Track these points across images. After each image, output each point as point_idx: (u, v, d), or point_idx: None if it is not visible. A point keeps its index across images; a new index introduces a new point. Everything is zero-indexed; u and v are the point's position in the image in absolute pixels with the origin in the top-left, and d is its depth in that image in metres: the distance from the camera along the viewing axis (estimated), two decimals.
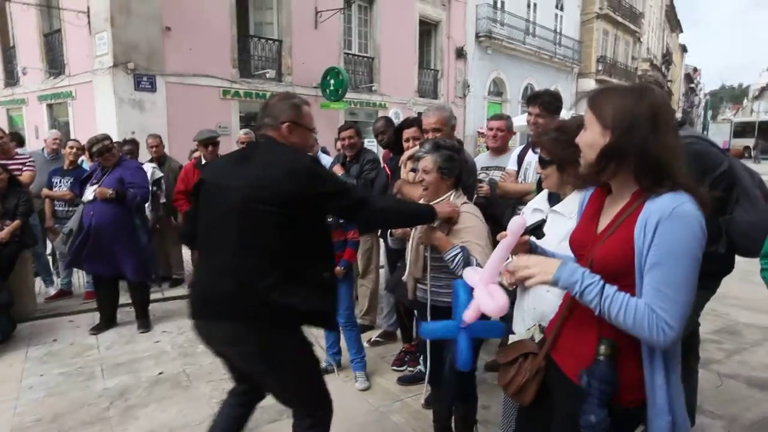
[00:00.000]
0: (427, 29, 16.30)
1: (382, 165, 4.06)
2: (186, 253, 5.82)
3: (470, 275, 1.63)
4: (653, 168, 1.24)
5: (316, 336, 3.50)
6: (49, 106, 11.94)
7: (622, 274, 1.27)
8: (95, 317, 4.62)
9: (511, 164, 3.23)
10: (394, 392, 3.32)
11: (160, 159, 5.76)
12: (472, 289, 1.60)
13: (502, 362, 1.64)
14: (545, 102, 3.12)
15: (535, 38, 20.50)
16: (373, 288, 4.35)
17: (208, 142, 4.70)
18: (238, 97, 11.36)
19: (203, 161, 4.56)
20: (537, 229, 1.61)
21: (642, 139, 1.23)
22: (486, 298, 1.50)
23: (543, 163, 1.87)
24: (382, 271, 4.49)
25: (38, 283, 5.33)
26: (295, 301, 1.84)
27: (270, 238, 1.83)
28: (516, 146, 3.69)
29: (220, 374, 3.54)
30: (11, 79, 13.17)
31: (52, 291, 5.41)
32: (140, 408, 3.14)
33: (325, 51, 12.69)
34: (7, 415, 3.05)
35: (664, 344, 1.21)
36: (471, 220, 2.23)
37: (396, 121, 4.15)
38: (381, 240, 4.09)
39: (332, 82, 12.13)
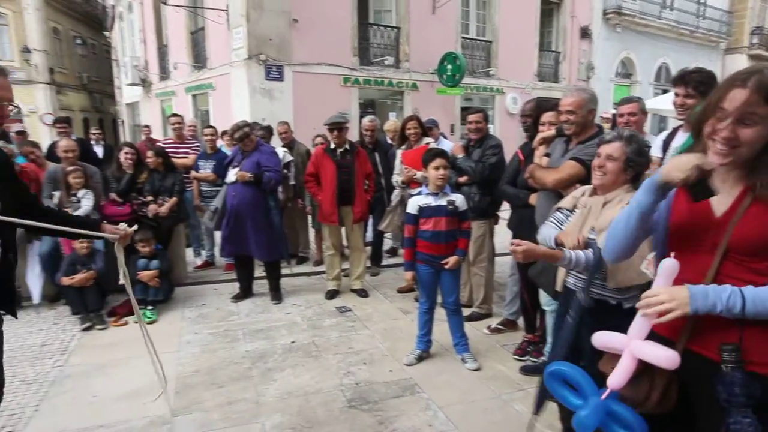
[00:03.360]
0: (549, 8, 15.45)
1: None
2: (312, 232, 6.22)
3: (613, 340, 1.53)
4: None
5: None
6: (194, 96, 13.29)
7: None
8: (234, 287, 5.11)
9: (656, 150, 2.99)
10: (516, 381, 3.29)
11: (289, 144, 6.17)
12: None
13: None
14: (695, 81, 2.82)
15: (673, 11, 18.53)
16: (487, 276, 4.31)
17: (335, 127, 4.92)
18: (357, 84, 11.74)
19: (332, 146, 4.79)
20: None
21: None
22: (655, 348, 1.39)
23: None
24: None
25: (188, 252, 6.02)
26: None
27: None
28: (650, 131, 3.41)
29: (345, 348, 3.78)
30: (164, 74, 14.86)
31: (199, 261, 6.08)
32: (277, 371, 3.44)
33: (442, 36, 12.60)
34: (173, 364, 3.51)
35: None
36: None
37: (514, 108, 4.05)
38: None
39: (449, 67, 12.03)
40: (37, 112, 20.67)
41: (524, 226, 3.30)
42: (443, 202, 3.36)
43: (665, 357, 1.36)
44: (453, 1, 12.58)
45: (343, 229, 5.05)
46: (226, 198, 4.72)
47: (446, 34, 12.79)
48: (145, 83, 16.87)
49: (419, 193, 3.50)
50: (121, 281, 2.37)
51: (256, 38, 10.26)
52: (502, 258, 4.79)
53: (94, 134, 7.57)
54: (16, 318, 2.16)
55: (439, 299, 3.58)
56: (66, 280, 4.26)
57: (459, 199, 3.42)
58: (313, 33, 10.80)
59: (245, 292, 4.95)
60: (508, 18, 13.84)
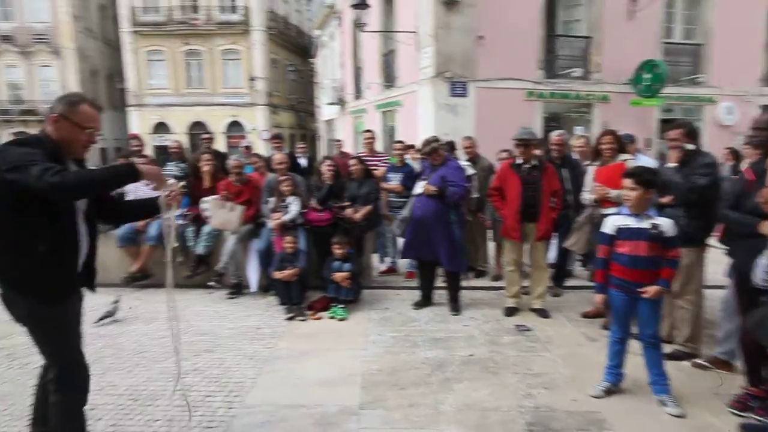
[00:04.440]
0: None
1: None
2: (491, 246, 6.14)
3: None
4: None
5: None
6: (383, 113, 14.27)
7: None
8: (415, 294, 5.28)
9: None
10: None
11: (473, 158, 6.20)
12: None
13: None
14: None
15: None
16: (695, 311, 3.73)
17: (522, 143, 4.76)
18: (542, 98, 11.33)
19: (519, 161, 4.68)
20: None
21: None
22: None
23: None
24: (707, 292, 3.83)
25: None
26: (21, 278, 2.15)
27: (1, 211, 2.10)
28: None
29: (524, 368, 3.63)
30: (358, 93, 16.29)
31: (383, 267, 6.46)
32: (455, 382, 3.45)
33: (638, 43, 11.43)
34: (359, 360, 3.79)
35: None
36: None
37: (728, 119, 3.44)
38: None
39: (647, 76, 10.88)
40: (257, 129, 24.26)
41: (748, 257, 2.80)
42: (646, 225, 3.02)
43: None
44: (654, 4, 11.35)
45: (525, 246, 4.88)
46: (412, 207, 4.94)
47: (644, 40, 11.58)
48: (341, 102, 18.66)
49: (618, 213, 3.20)
50: (168, 242, 2.50)
51: (443, 56, 10.59)
52: (712, 291, 4.12)
53: (299, 148, 8.58)
54: (94, 292, 2.50)
55: (634, 329, 3.22)
56: (276, 274, 4.89)
57: (666, 224, 3.03)
58: (498, 48, 10.74)
59: (425, 300, 5.09)
60: (725, 16, 11.96)
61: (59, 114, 2.20)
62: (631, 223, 3.06)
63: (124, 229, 5.53)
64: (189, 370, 3.59)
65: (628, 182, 3.06)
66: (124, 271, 5.48)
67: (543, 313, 4.72)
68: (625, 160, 4.27)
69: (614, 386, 3.27)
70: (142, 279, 5.54)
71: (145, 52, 26.79)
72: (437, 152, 4.82)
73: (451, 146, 6.48)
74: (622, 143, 4.56)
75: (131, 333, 4.34)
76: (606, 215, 3.51)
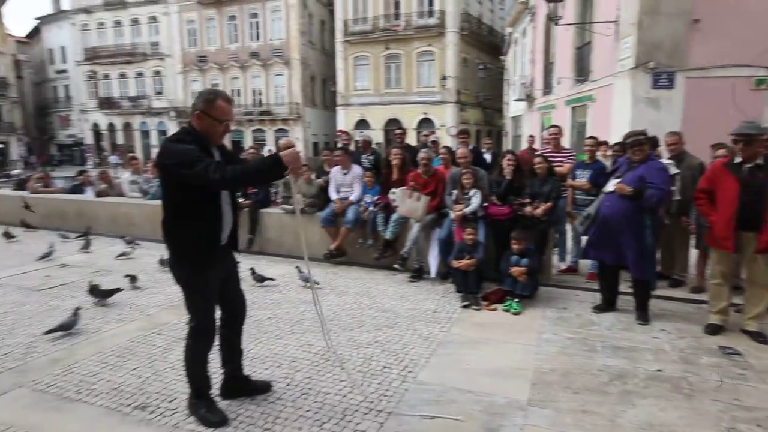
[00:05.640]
0: None
1: None
2: (693, 254, 5.26)
3: None
4: None
5: None
6: (573, 108, 13.23)
7: None
8: (596, 297, 4.82)
9: None
10: None
11: (678, 155, 5.35)
12: None
13: None
14: None
15: None
16: None
17: (742, 139, 3.92)
18: None
19: (737, 160, 3.89)
20: None
21: None
22: None
23: None
24: None
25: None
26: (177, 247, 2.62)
27: (167, 194, 2.59)
28: None
29: (730, 397, 3.06)
30: (547, 89, 15.40)
31: (563, 266, 6.03)
32: (638, 397, 3.05)
33: None
34: (530, 356, 3.61)
35: None
36: None
37: None
38: None
39: None
40: (445, 126, 24.78)
41: None
42: None
43: None
44: None
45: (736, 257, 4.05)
46: (600, 205, 4.49)
47: None
48: (529, 98, 17.87)
49: None
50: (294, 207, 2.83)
51: (646, 45, 9.32)
52: None
53: (485, 144, 8.46)
54: (239, 252, 2.90)
55: None
56: (455, 263, 4.93)
57: None
58: (718, 32, 9.01)
59: (608, 305, 4.60)
60: None
61: (200, 111, 2.49)
62: None
63: (327, 211, 6.18)
64: (371, 342, 3.87)
65: None
66: (325, 248, 6.12)
67: (758, 337, 3.87)
68: None
69: None
70: (339, 256, 6.14)
71: (353, 58, 29.35)
72: (641, 147, 4.26)
73: (653, 143, 5.69)
74: None
75: (326, 302, 4.79)
76: None
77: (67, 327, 3.95)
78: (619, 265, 4.47)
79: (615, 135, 9.04)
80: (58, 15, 40.51)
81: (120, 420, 2.80)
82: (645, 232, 4.24)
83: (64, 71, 41.02)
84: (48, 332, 3.91)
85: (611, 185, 4.35)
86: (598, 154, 6.04)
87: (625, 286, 4.67)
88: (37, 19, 42.59)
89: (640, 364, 3.51)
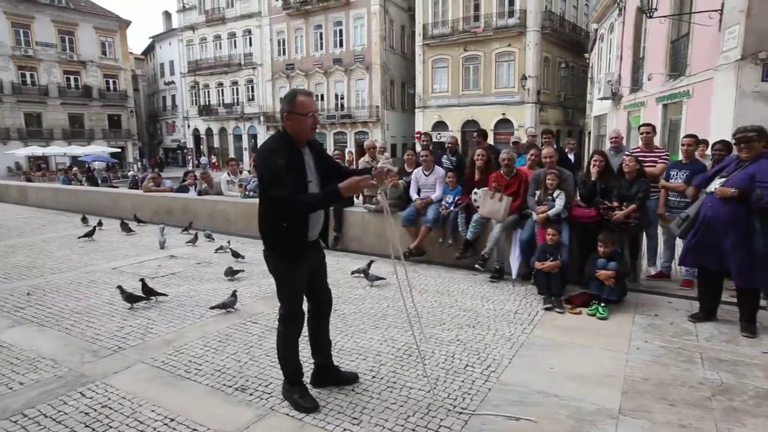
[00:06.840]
0: None
1: None
2: None
3: None
4: None
5: None
6: (665, 106, 12.22)
7: None
8: (693, 305, 4.43)
9: None
10: None
11: None
12: None
13: None
14: None
15: None
16: None
17: None
18: None
19: None
20: None
21: None
22: None
23: None
24: None
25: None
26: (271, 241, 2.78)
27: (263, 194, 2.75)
28: None
29: None
30: (635, 86, 14.34)
31: (653, 271, 5.60)
32: (747, 416, 2.76)
33: None
34: (620, 364, 3.40)
35: None
36: None
37: None
38: None
39: None
40: (524, 126, 23.94)
41: None
42: None
43: None
44: None
45: None
46: (701, 207, 4.11)
47: None
48: (614, 96, 16.78)
49: None
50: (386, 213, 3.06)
51: (756, 34, 8.37)
52: None
53: (569, 144, 8.08)
54: (329, 248, 3.02)
55: None
56: (538, 264, 4.75)
57: None
58: None
59: (707, 314, 4.21)
60: None
61: (287, 112, 2.65)
62: None
63: (408, 211, 6.21)
64: (453, 340, 3.84)
65: None
66: (405, 247, 6.16)
67: None
68: None
69: None
70: (419, 255, 6.15)
71: (432, 61, 29.19)
72: (751, 144, 3.85)
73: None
74: None
75: (407, 299, 4.81)
76: None
77: (229, 305, 4.50)
78: (723, 272, 4.06)
79: (714, 133, 8.25)
80: (168, 33, 44.35)
81: (223, 399, 3.01)
82: (753, 237, 3.82)
83: (171, 82, 44.88)
84: (212, 308, 4.50)
85: (715, 185, 3.97)
86: (696, 154, 5.55)
87: (726, 295, 4.25)
88: (151, 37, 47.00)
89: (749, 380, 3.17)
